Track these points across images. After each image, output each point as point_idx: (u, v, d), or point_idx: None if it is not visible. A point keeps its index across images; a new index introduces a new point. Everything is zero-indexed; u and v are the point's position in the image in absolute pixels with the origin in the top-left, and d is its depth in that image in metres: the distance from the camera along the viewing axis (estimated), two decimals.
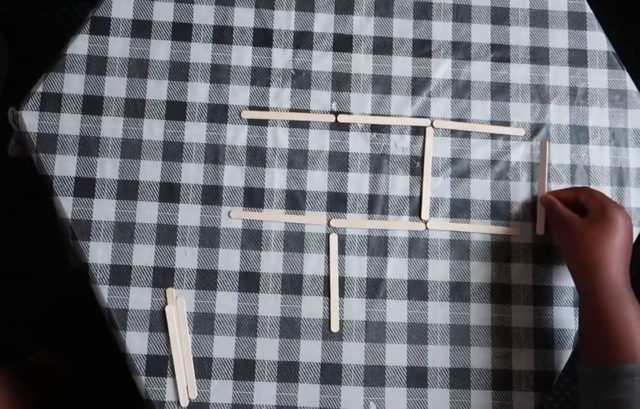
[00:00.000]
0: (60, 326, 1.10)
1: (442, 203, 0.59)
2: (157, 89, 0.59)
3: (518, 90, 0.61)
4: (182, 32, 0.60)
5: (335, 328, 0.56)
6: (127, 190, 0.57)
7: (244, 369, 0.55)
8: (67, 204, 0.56)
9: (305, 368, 0.55)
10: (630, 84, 0.62)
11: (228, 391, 0.55)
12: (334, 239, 0.57)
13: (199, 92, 0.59)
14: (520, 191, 0.59)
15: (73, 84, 0.58)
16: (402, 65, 0.61)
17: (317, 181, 0.58)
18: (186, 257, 0.56)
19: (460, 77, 0.61)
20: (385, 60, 0.61)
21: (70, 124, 0.57)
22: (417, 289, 0.57)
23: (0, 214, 1.12)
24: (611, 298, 0.47)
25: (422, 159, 0.59)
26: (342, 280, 0.57)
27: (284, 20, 0.61)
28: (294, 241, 0.57)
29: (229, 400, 0.55)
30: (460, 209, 0.59)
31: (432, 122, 0.60)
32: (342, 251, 0.57)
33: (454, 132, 0.60)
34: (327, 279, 0.57)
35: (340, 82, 0.60)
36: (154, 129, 0.58)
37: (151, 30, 0.59)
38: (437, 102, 0.60)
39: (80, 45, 0.59)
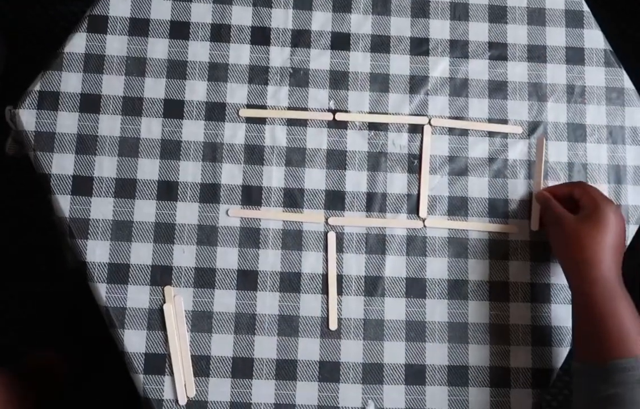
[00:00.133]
0: (60, 326, 1.10)
1: (440, 201, 0.59)
2: (154, 88, 0.59)
3: (515, 88, 0.61)
4: (179, 30, 0.60)
5: (333, 326, 0.56)
6: (125, 188, 0.57)
7: (242, 368, 0.55)
8: (64, 203, 0.56)
9: (303, 366, 0.55)
10: (627, 82, 0.62)
11: (226, 389, 0.55)
12: (332, 237, 0.57)
13: (196, 90, 0.59)
14: (517, 189, 0.59)
15: (70, 82, 0.58)
16: (399, 64, 0.61)
17: (315, 179, 0.58)
18: (184, 256, 0.56)
19: (458, 75, 0.61)
20: (382, 59, 0.61)
21: (67, 122, 0.57)
22: (415, 287, 0.57)
23: None
24: (603, 295, 0.47)
25: (419, 157, 0.59)
26: (340, 278, 0.57)
27: (281, 18, 0.61)
28: (292, 239, 0.57)
29: (227, 398, 0.55)
30: (458, 207, 0.59)
31: (429, 120, 0.60)
32: (340, 249, 0.57)
33: (451, 130, 0.60)
34: (325, 277, 0.57)
35: (338, 80, 0.60)
36: (151, 128, 0.58)
37: (149, 28, 0.59)
38: (434, 100, 0.60)
39: (77, 43, 0.59)
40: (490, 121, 0.60)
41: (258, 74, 0.60)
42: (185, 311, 0.56)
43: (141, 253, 0.56)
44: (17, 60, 1.15)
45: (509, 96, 0.61)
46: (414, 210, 0.59)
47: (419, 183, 0.59)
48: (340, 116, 0.59)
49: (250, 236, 0.57)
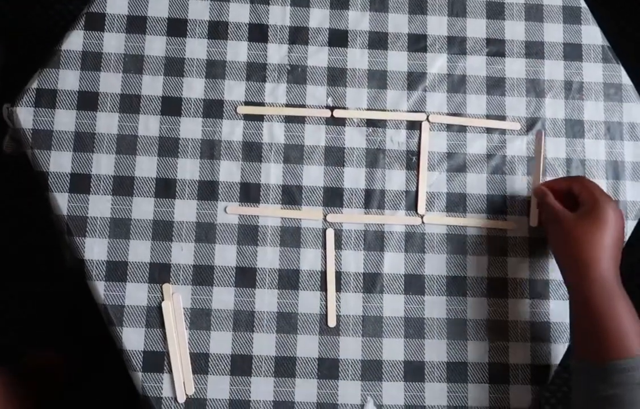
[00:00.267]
0: (60, 326, 1.10)
1: (438, 197, 0.59)
2: (152, 85, 0.58)
3: (513, 84, 0.61)
4: (177, 27, 0.60)
5: (332, 322, 0.56)
6: (123, 186, 0.57)
7: (241, 365, 0.55)
8: (62, 201, 0.56)
9: (302, 363, 0.55)
10: (625, 78, 0.62)
11: (225, 387, 0.55)
12: (330, 234, 0.57)
13: (194, 87, 0.59)
14: (516, 185, 0.59)
15: (68, 80, 0.58)
16: (397, 60, 0.61)
17: (313, 176, 0.58)
18: (182, 253, 0.56)
19: (456, 71, 0.61)
20: (380, 55, 0.61)
21: (65, 120, 0.57)
22: (414, 284, 0.57)
23: None
24: (602, 294, 0.46)
25: (418, 154, 0.59)
26: (338, 275, 0.57)
27: (279, 15, 0.61)
28: (291, 236, 0.57)
29: (226, 396, 0.54)
30: (456, 203, 0.59)
31: (427, 116, 0.60)
32: (338, 245, 0.57)
33: (449, 127, 0.60)
34: (323, 274, 0.57)
35: (336, 77, 0.60)
36: (149, 125, 0.58)
37: (146, 25, 0.59)
38: (432, 97, 0.60)
39: (75, 41, 0.59)
40: (488, 117, 0.60)
41: (256, 71, 0.60)
42: (183, 309, 0.56)
43: (139, 251, 0.56)
44: (17, 60, 1.15)
45: (507, 92, 0.61)
46: (413, 207, 0.58)
47: (418, 180, 0.59)
48: (338, 113, 0.59)
49: (249, 233, 0.57)
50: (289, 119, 0.59)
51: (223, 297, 0.56)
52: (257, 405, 0.54)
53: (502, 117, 0.60)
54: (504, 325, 0.57)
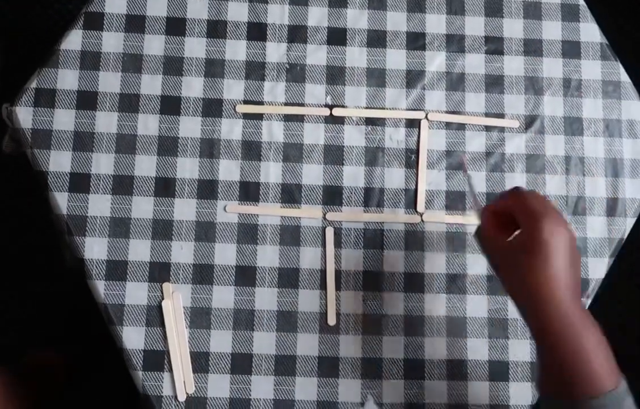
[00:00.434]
0: (60, 326, 1.10)
1: (438, 195, 0.59)
2: (151, 84, 0.58)
3: (512, 82, 0.61)
4: (176, 26, 0.60)
5: (332, 321, 0.56)
6: (123, 185, 0.57)
7: (241, 363, 0.55)
8: (62, 200, 0.56)
9: (302, 361, 0.55)
10: (623, 75, 0.62)
11: (225, 385, 0.55)
12: (330, 232, 0.57)
13: (193, 86, 0.59)
14: (515, 183, 0.60)
15: (67, 79, 0.58)
16: (396, 58, 0.61)
17: (313, 174, 0.58)
18: (182, 252, 0.56)
19: (455, 69, 0.61)
20: (379, 54, 0.61)
21: (64, 119, 0.57)
22: (413, 282, 0.57)
23: None
24: (564, 331, 0.40)
25: (417, 152, 0.59)
26: (338, 273, 0.57)
27: (277, 14, 0.61)
28: (290, 235, 0.57)
29: (227, 394, 0.55)
30: (455, 201, 0.59)
31: (426, 114, 0.60)
32: (338, 244, 0.57)
33: (448, 125, 0.60)
34: (323, 272, 0.57)
35: (335, 75, 0.60)
36: (148, 124, 0.58)
37: (145, 25, 0.59)
38: (431, 95, 0.60)
39: (73, 40, 0.59)
40: (487, 115, 0.60)
41: (255, 70, 0.60)
42: (183, 308, 0.56)
43: (139, 250, 0.56)
44: (16, 60, 1.15)
45: (506, 90, 0.61)
46: (412, 205, 0.59)
47: (417, 178, 0.59)
48: (337, 111, 0.59)
49: (248, 232, 0.57)
50: (288, 118, 0.59)
51: (223, 296, 0.56)
52: (258, 404, 0.55)
53: (501, 115, 0.61)
54: (503, 322, 0.57)
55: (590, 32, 0.62)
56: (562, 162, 0.60)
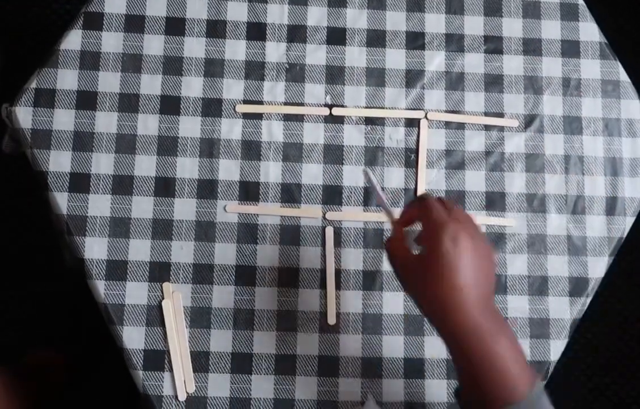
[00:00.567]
0: (60, 326, 1.10)
1: (437, 195, 0.59)
2: (151, 84, 0.59)
3: (511, 81, 0.61)
4: (175, 26, 0.60)
5: (332, 320, 0.56)
6: (122, 185, 0.57)
7: (241, 363, 0.55)
8: (62, 200, 0.56)
9: (302, 360, 0.56)
10: (622, 75, 0.62)
11: (226, 385, 0.55)
12: (329, 232, 0.57)
13: (193, 86, 0.59)
14: (514, 182, 0.60)
15: (67, 79, 0.58)
16: (395, 58, 0.61)
17: (312, 173, 0.58)
18: (182, 252, 0.56)
19: (454, 69, 0.61)
20: (378, 53, 0.61)
21: (64, 119, 0.57)
22: None
23: None
24: (475, 345, 0.39)
25: (416, 151, 0.60)
26: (338, 273, 0.57)
27: (277, 14, 0.61)
28: (290, 234, 0.57)
29: (227, 394, 0.55)
30: (455, 200, 0.59)
31: (426, 114, 0.60)
32: (338, 243, 0.57)
33: (448, 124, 0.60)
34: (323, 272, 0.57)
35: (334, 75, 0.60)
36: (148, 124, 0.58)
37: (144, 24, 0.59)
38: (430, 94, 0.60)
39: (73, 40, 0.59)
40: (486, 114, 0.61)
41: (254, 70, 0.60)
42: (183, 307, 0.56)
43: (139, 250, 0.56)
44: (16, 60, 1.15)
45: (505, 90, 0.61)
46: None
47: (416, 177, 0.59)
48: (336, 111, 0.59)
49: (248, 232, 0.57)
50: (287, 118, 0.59)
51: (223, 296, 0.56)
52: (258, 403, 0.55)
53: (501, 114, 0.61)
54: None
55: (589, 31, 0.62)
56: (561, 162, 0.60)
